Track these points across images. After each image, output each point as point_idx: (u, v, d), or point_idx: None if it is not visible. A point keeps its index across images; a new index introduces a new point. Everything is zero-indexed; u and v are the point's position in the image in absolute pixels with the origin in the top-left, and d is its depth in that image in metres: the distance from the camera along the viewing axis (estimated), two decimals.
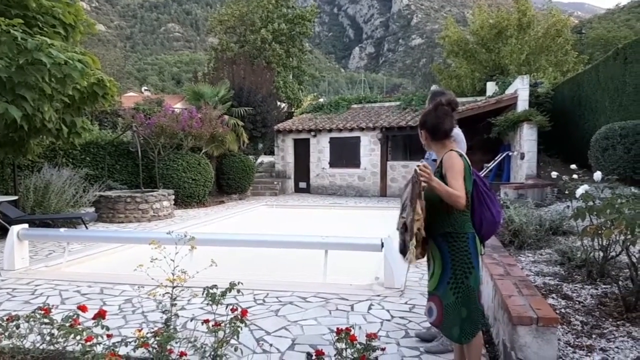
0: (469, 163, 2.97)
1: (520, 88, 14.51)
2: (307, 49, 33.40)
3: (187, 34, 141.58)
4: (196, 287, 3.82)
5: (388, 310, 4.91)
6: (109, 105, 9.40)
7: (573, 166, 5.69)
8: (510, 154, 15.01)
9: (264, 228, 11.52)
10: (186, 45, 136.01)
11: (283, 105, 22.79)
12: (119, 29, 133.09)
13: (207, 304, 3.28)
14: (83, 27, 8.36)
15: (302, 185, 19.79)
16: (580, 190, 4.38)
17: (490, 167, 14.55)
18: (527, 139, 13.14)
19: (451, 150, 2.98)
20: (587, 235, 4.09)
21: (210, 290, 3.45)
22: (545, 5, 24.78)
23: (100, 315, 3.08)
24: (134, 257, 7.62)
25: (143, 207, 11.50)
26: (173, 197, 12.64)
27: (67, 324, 3.07)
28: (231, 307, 3.30)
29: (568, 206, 4.88)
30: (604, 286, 4.42)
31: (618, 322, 3.62)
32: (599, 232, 3.96)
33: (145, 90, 57.35)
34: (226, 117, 16.31)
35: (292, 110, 24.97)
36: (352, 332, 2.94)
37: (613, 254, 4.52)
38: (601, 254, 4.62)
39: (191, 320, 4.31)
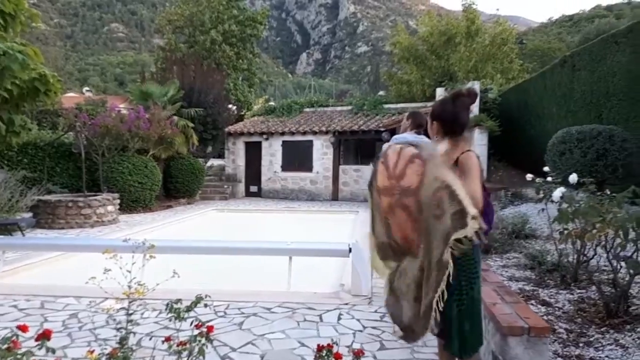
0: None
1: None
2: (257, 51, 32.92)
3: (131, 35, 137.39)
4: (150, 300, 3.45)
5: (359, 320, 4.68)
6: (51, 104, 8.70)
7: (529, 176, 5.62)
8: None
9: (216, 234, 11.07)
10: (130, 46, 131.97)
11: (233, 107, 22.24)
12: (59, 27, 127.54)
13: (165, 319, 2.92)
14: (24, 17, 7.67)
15: (253, 189, 19.35)
16: (557, 194, 4.30)
17: None
18: (478, 144, 13.33)
19: (469, 150, 2.67)
20: (570, 239, 3.99)
21: (175, 305, 3.14)
22: (491, 17, 25.53)
23: (45, 335, 2.65)
24: (77, 267, 7.04)
25: (86, 212, 10.78)
26: (118, 201, 11.95)
27: (4, 347, 2.63)
28: (196, 322, 2.99)
29: (543, 209, 4.80)
30: (579, 291, 4.37)
31: (602, 329, 3.53)
32: (583, 235, 3.87)
33: (87, 90, 54.91)
34: (175, 118, 15.68)
35: (243, 112, 24.44)
36: (335, 350, 2.67)
37: (586, 258, 4.47)
38: (574, 258, 4.57)
39: (150, 339, 3.91)
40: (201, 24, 29.83)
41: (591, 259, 4.40)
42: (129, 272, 3.15)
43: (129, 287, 3.14)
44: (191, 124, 16.42)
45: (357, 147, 18.45)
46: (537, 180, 4.83)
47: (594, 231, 3.83)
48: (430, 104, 18.28)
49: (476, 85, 14.69)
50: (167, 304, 3.06)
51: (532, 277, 4.84)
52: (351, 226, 11.21)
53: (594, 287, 4.29)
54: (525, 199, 10.52)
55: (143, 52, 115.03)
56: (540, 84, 14.01)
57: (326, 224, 12.43)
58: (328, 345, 2.67)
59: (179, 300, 3.14)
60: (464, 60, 19.95)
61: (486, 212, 2.76)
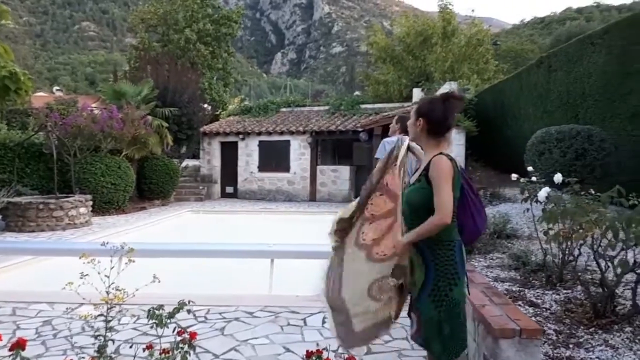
0: (460, 168, 2.65)
1: None
2: (232, 50, 32.61)
3: (102, 34, 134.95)
4: (129, 305, 3.30)
5: None
6: (21, 103, 8.38)
7: (514, 176, 5.55)
8: None
9: (193, 236, 10.85)
10: (102, 45, 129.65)
11: (207, 107, 21.92)
12: (29, 25, 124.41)
13: (144, 325, 2.79)
14: None
15: (229, 190, 19.11)
16: (542, 194, 4.27)
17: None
18: (455, 144, 13.39)
19: (441, 153, 2.60)
20: (558, 239, 3.97)
21: (157, 311, 3.00)
22: (466, 18, 25.74)
23: (20, 345, 2.48)
24: (50, 271, 6.79)
25: (57, 214, 10.44)
26: (91, 203, 11.62)
27: None
28: (177, 328, 2.86)
29: (527, 209, 4.78)
30: (564, 291, 4.34)
31: (590, 330, 3.50)
32: (571, 235, 3.85)
33: (57, 90, 53.58)
34: (150, 117, 15.34)
35: (218, 112, 24.12)
36: (325, 356, 2.57)
37: (573, 258, 4.46)
38: (559, 258, 4.55)
39: (130, 346, 3.73)
40: (175, 22, 29.42)
41: (577, 258, 4.39)
42: (107, 277, 3.01)
43: (107, 292, 3.01)
44: (166, 124, 16.11)
45: (335, 147, 18.39)
46: (522, 180, 4.80)
47: (581, 231, 3.81)
48: (407, 104, 18.34)
49: (454, 86, 14.79)
50: (149, 311, 2.92)
51: (517, 277, 4.81)
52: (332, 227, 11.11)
53: (579, 287, 4.28)
54: (504, 198, 10.58)
55: (115, 51, 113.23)
56: (516, 84, 14.15)
57: (306, 225, 12.27)
58: (317, 350, 2.57)
59: (160, 307, 3.01)
60: (440, 60, 20.09)
61: (472, 214, 2.74)
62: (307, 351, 2.58)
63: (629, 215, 3.23)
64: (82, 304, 2.87)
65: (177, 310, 2.97)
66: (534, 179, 4.72)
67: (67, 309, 4.87)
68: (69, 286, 2.91)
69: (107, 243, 3.61)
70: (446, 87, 15.10)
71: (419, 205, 2.60)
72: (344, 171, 17.42)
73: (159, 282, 3.18)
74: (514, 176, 4.88)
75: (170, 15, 29.66)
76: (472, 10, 23.55)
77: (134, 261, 3.13)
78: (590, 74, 9.59)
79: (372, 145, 15.33)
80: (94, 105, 24.07)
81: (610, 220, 3.33)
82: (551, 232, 4.06)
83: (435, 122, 2.65)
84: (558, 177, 4.40)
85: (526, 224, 7.63)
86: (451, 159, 2.59)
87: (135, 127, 13.81)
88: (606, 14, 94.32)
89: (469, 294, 2.81)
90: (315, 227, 11.68)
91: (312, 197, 17.67)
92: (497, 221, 6.57)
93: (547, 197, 4.28)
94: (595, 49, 9.53)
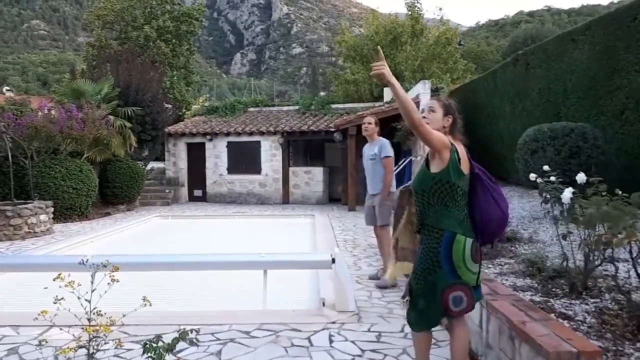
0: (467, 156, 2.94)
1: (422, 93, 14.53)
2: (194, 48, 31.69)
3: (54, 33, 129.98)
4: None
5: (353, 342, 4.13)
6: None
7: (532, 176, 5.20)
8: (413, 158, 15.03)
9: (165, 244, 10.22)
10: (53, 44, 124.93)
11: (169, 106, 21.02)
12: None
13: (126, 350, 2.36)
14: None
15: (198, 193, 18.35)
16: (567, 195, 3.94)
17: (395, 172, 14.45)
18: None
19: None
20: (600, 244, 3.64)
21: (153, 344, 2.59)
22: (429, 21, 25.78)
23: None
24: (8, 288, 6.10)
25: (15, 222, 9.59)
26: (52, 209, 10.78)
27: None
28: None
29: (548, 212, 4.45)
30: (592, 300, 4.03)
31: (637, 345, 3.18)
32: (611, 241, 3.53)
33: (7, 90, 50.98)
34: (111, 117, 14.51)
35: (182, 112, 23.24)
36: None
37: (596, 263, 4.16)
38: (582, 264, 4.25)
39: None
40: (133, 19, 28.35)
41: (600, 264, 4.08)
42: (89, 301, 2.54)
43: (89, 320, 2.53)
44: (129, 124, 15.31)
45: (306, 148, 17.95)
46: (539, 180, 4.46)
47: (620, 236, 3.50)
48: (378, 103, 18.11)
49: (427, 85, 14.56)
50: (144, 344, 2.49)
51: (535, 285, 4.49)
52: (310, 231, 10.68)
53: (606, 296, 4.00)
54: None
55: (68, 50, 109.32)
56: (490, 83, 14.07)
57: (283, 229, 11.81)
58: None
59: (158, 338, 2.61)
60: (410, 59, 19.93)
61: (495, 199, 2.96)
62: None
63: None
64: (52, 326, 2.40)
65: (177, 340, 2.61)
66: (552, 179, 4.39)
67: (36, 336, 4.27)
68: (43, 315, 2.46)
69: (87, 260, 3.08)
70: (419, 87, 14.86)
71: (418, 189, 2.96)
72: (317, 172, 16.98)
73: (151, 305, 2.73)
74: (533, 176, 4.54)
75: (128, 12, 28.55)
76: (440, 9, 23.58)
77: (118, 281, 2.67)
78: (572, 71, 9.50)
79: (346, 145, 14.96)
80: (49, 105, 22.83)
81: None
82: (595, 238, 3.73)
83: (455, 121, 3.04)
84: (581, 177, 4.09)
85: (521, 225, 7.41)
86: (455, 149, 2.87)
87: (97, 127, 13.01)
88: (557, 17, 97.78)
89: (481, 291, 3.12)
90: (294, 230, 11.35)
91: (285, 200, 17.12)
92: None
93: (571, 199, 3.96)
94: (577, 46, 9.43)
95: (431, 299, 2.82)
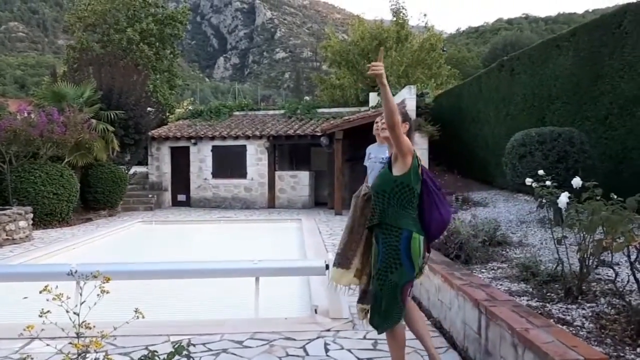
0: (420, 163, 3.11)
1: (408, 98, 14.57)
2: (178, 52, 31.38)
3: (33, 35, 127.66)
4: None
5: (349, 350, 4.05)
6: None
7: (528, 181, 5.13)
8: None
9: (150, 250, 10.04)
10: (32, 46, 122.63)
11: (152, 110, 20.74)
12: None
13: None
14: None
15: (182, 198, 18.12)
16: (563, 199, 3.93)
17: None
18: (419, 148, 13.20)
19: None
20: (600, 249, 3.63)
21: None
22: (413, 28, 25.93)
23: None
24: None
25: None
26: (31, 215, 10.52)
27: None
28: None
29: (545, 216, 4.43)
30: (588, 305, 4.01)
31: (638, 350, 3.16)
32: (610, 245, 3.52)
33: None
34: (94, 121, 14.24)
35: (165, 116, 22.96)
36: None
37: (594, 267, 4.15)
38: (576, 268, 4.24)
39: None
40: (116, 21, 27.98)
41: (596, 268, 4.09)
42: (77, 314, 2.43)
43: (77, 334, 2.39)
44: (111, 128, 15.05)
45: (292, 152, 17.86)
46: (535, 185, 4.45)
47: (619, 240, 3.49)
48: (364, 108, 18.13)
49: (413, 90, 14.60)
50: None
51: (530, 290, 4.47)
52: (298, 236, 10.58)
53: (602, 300, 3.99)
54: (474, 203, 10.43)
55: (47, 53, 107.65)
56: (475, 88, 14.16)
57: (270, 234, 11.70)
58: None
59: (153, 354, 2.53)
60: (395, 65, 19.99)
61: (436, 204, 3.13)
62: None
63: None
64: (34, 339, 2.28)
65: (173, 355, 2.51)
66: (547, 183, 4.37)
67: (20, 349, 4.11)
68: (28, 331, 2.33)
69: (76, 271, 2.96)
70: (405, 92, 14.90)
71: (378, 188, 3.11)
72: (303, 177, 16.90)
73: (144, 317, 2.62)
74: (528, 181, 4.52)
75: (111, 14, 28.15)
76: (424, 15, 23.72)
77: (108, 292, 2.55)
78: (557, 77, 9.60)
79: (333, 149, 14.92)
80: (28, 108, 22.38)
81: None
82: (596, 243, 3.71)
83: (411, 128, 3.56)
84: (577, 182, 4.08)
85: (509, 229, 7.42)
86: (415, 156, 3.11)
87: (79, 131, 12.74)
88: (534, 24, 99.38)
89: (418, 280, 3.26)
90: (281, 235, 11.24)
91: (271, 204, 16.99)
92: (486, 228, 6.26)
93: (567, 203, 3.95)
94: (561, 52, 9.54)
95: (392, 299, 2.98)
